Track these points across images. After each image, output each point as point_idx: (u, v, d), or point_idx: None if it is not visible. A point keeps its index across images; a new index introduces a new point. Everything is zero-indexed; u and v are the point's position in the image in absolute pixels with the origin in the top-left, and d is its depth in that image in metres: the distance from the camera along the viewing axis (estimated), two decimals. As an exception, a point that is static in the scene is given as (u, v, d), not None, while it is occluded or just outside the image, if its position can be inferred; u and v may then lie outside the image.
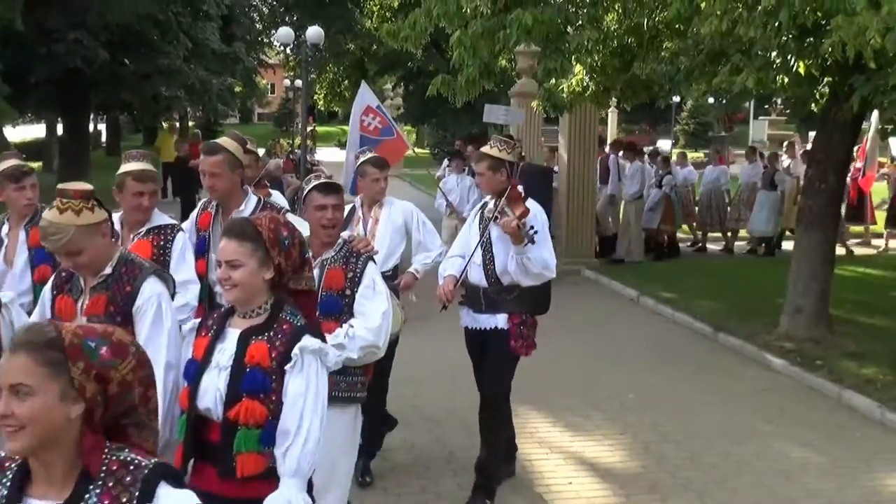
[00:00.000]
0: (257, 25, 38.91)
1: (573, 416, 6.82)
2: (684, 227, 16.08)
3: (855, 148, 17.50)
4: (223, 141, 4.72)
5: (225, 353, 2.86)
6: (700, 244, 15.84)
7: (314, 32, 21.00)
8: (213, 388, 2.83)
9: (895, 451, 6.23)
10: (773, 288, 10.10)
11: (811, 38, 6.79)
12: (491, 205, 5.07)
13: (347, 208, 5.37)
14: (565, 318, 10.25)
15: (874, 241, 16.22)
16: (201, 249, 4.64)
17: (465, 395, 7.21)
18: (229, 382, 2.80)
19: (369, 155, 5.79)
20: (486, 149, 5.11)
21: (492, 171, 4.99)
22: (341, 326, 3.87)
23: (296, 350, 2.78)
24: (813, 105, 8.88)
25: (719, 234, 15.91)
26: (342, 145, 53.72)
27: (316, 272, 3.82)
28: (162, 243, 4.27)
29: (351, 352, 3.79)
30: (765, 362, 8.35)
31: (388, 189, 5.79)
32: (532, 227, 4.75)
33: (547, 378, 7.84)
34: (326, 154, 47.24)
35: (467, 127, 28.55)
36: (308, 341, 2.80)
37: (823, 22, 6.27)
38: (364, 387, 4.15)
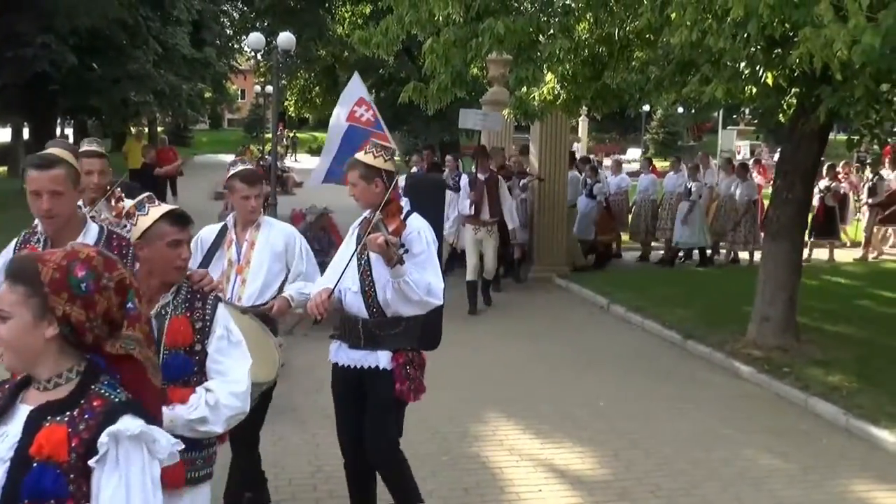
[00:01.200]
0: (228, 31, 38.75)
1: (543, 424, 6.82)
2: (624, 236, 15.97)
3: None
4: (57, 151, 3.70)
5: (7, 438, 2.01)
6: (641, 254, 15.69)
7: (285, 38, 20.89)
8: None
9: (860, 457, 6.31)
10: (741, 296, 10.19)
11: (779, 50, 6.88)
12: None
13: (218, 227, 4.85)
14: (536, 326, 10.32)
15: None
16: None
17: (434, 402, 7.20)
18: (6, 483, 1.95)
19: (239, 167, 4.86)
20: (359, 155, 4.46)
21: (365, 180, 4.34)
22: (195, 392, 3.07)
23: (104, 437, 1.94)
24: (781, 116, 8.98)
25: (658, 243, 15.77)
26: (313, 152, 53.64)
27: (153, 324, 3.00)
28: None
29: (215, 425, 3.06)
30: (733, 370, 8.42)
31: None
32: (403, 245, 4.15)
33: (517, 385, 7.87)
34: (301, 161, 47.10)
35: (439, 134, 28.54)
36: (126, 423, 1.97)
37: (791, 33, 6.35)
38: (216, 455, 3.43)
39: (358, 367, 4.44)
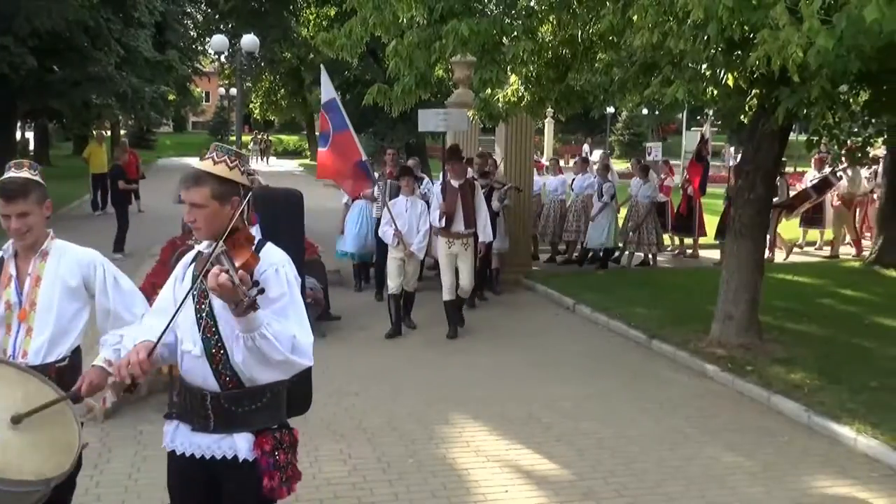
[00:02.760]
0: (192, 33, 38.49)
1: (509, 424, 6.84)
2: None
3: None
4: None
5: None
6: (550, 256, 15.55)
7: (249, 41, 20.80)
8: None
9: (822, 453, 6.39)
10: (704, 296, 10.30)
11: (739, 52, 6.96)
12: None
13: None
14: (503, 327, 10.33)
15: (702, 253, 16.14)
16: None
17: (401, 404, 7.21)
18: None
19: (7, 175, 3.71)
20: (205, 165, 3.14)
21: (219, 200, 3.10)
22: None
23: None
24: (743, 117, 9.08)
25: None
26: (279, 155, 53.39)
27: None
28: None
29: None
30: (697, 368, 8.50)
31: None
32: (257, 284, 2.88)
33: (484, 386, 7.88)
34: (272, 163, 46.81)
35: (404, 137, 28.55)
36: None
37: (751, 35, 6.43)
38: None
39: (207, 457, 3.20)
